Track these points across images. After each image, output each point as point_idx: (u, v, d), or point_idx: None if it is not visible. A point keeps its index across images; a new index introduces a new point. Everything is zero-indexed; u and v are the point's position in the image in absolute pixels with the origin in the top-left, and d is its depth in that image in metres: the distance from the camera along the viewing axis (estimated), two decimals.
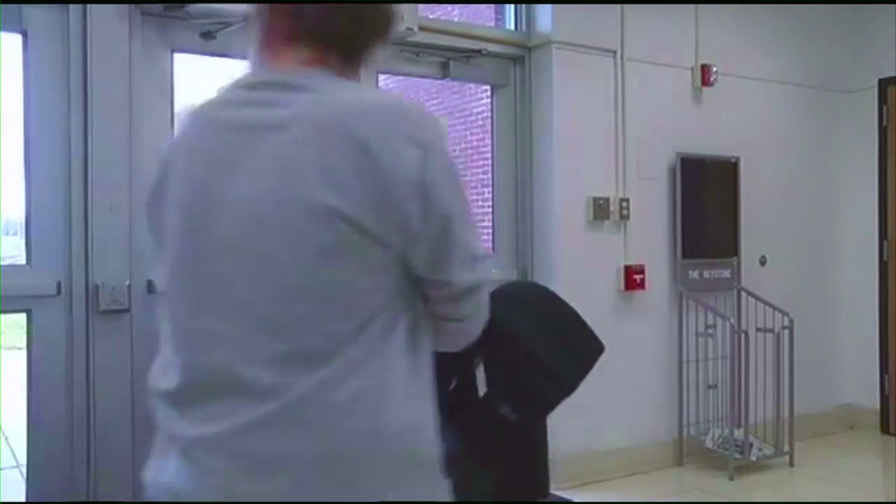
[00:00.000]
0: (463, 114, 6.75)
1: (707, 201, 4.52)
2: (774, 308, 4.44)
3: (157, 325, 1.26)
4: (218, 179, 1.11)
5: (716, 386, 4.42)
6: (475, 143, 6.37)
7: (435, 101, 7.23)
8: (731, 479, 4.13)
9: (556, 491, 3.70)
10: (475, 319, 1.21)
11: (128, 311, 3.05)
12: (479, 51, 3.91)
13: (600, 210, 4.09)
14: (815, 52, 5.05)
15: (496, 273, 1.27)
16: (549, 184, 4.04)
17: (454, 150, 6.63)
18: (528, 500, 2.06)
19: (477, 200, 4.80)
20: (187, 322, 1.17)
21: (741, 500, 3.95)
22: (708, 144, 4.49)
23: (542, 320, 1.56)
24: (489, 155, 4.28)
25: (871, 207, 5.09)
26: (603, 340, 1.60)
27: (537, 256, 4.10)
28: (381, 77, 3.82)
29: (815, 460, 4.48)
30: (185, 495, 1.10)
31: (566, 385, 1.54)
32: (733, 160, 4.58)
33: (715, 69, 4.46)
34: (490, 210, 4.19)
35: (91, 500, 2.99)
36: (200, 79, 3.43)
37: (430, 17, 4.07)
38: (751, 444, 4.29)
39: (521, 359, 1.54)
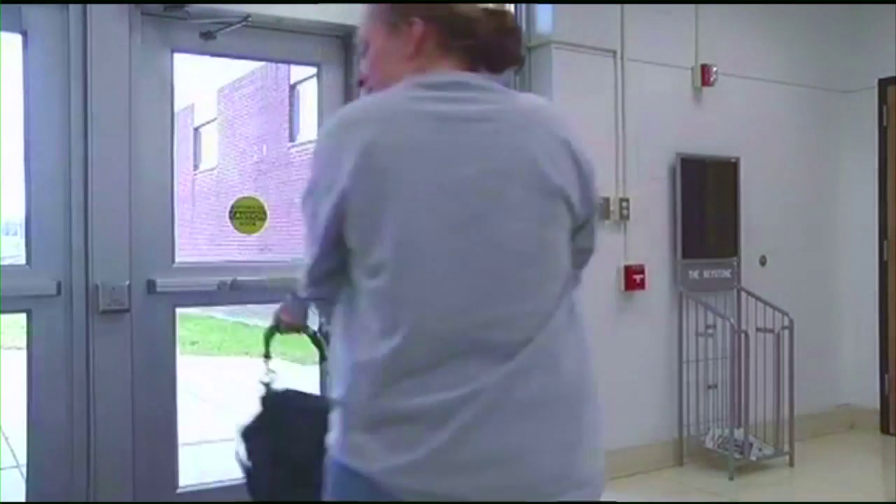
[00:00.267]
0: None
1: (707, 201, 4.52)
2: (774, 308, 4.44)
3: (369, 307, 1.26)
4: (451, 162, 1.25)
5: (716, 386, 4.42)
6: None
7: None
8: (731, 478, 4.13)
9: None
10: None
11: (128, 311, 3.05)
12: None
13: (600, 210, 4.09)
14: (815, 52, 5.05)
15: None
16: None
17: None
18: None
19: None
20: (431, 296, 1.23)
21: (741, 500, 3.95)
22: (708, 144, 4.49)
23: None
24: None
25: (871, 207, 5.09)
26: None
27: None
28: None
29: (814, 460, 4.48)
30: (454, 452, 1.20)
31: None
32: (733, 160, 4.58)
33: (715, 69, 4.46)
34: None
35: (91, 500, 2.99)
36: (200, 79, 3.43)
37: None
38: (751, 444, 4.29)
39: None
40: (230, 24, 3.22)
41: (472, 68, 1.35)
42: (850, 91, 5.15)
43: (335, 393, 1.30)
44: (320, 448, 1.34)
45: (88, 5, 2.99)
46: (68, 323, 2.99)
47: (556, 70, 4.00)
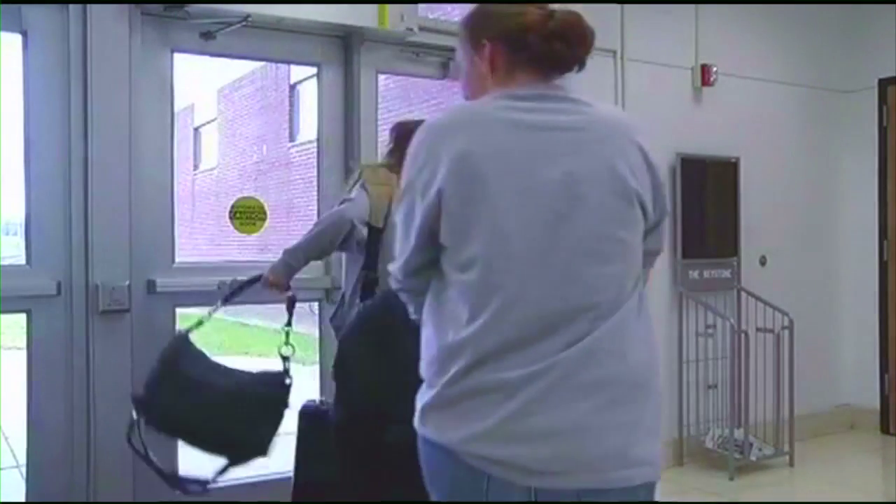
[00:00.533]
0: None
1: (707, 201, 4.52)
2: (774, 308, 4.44)
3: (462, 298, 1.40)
4: (538, 167, 1.37)
5: (716, 386, 4.42)
6: None
7: (434, 102, 7.22)
8: (731, 478, 4.13)
9: None
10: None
11: (128, 311, 3.05)
12: None
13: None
14: (815, 52, 5.05)
15: None
16: None
17: None
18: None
19: None
20: (519, 286, 1.36)
21: (741, 500, 3.95)
22: (708, 144, 4.49)
23: None
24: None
25: (871, 207, 5.09)
26: None
27: None
28: (382, 77, 3.81)
29: (814, 460, 4.48)
30: (519, 421, 1.33)
31: None
32: (733, 160, 4.58)
33: (715, 69, 4.46)
34: None
35: (90, 500, 2.99)
36: (200, 79, 3.44)
37: (430, 17, 4.07)
38: (751, 444, 4.29)
39: None
40: (230, 24, 3.22)
41: (543, 76, 1.46)
42: (850, 91, 5.15)
43: (422, 373, 1.44)
44: None
45: (88, 5, 2.98)
46: (68, 323, 2.98)
47: None
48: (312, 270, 3.56)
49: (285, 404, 2.59)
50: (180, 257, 3.32)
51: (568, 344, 1.35)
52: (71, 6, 2.98)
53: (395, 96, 6.84)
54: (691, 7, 4.46)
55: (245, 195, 3.51)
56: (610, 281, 1.39)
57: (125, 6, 3.05)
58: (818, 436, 4.83)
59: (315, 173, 3.67)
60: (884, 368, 5.06)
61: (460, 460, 1.36)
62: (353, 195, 2.77)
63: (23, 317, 2.98)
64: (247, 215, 3.42)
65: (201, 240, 11.34)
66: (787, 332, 4.41)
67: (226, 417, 2.50)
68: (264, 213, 3.47)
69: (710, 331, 4.36)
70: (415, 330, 1.52)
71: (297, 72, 9.93)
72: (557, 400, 1.34)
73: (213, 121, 13.50)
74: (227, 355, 10.27)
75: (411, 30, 3.55)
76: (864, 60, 5.10)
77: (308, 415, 2.78)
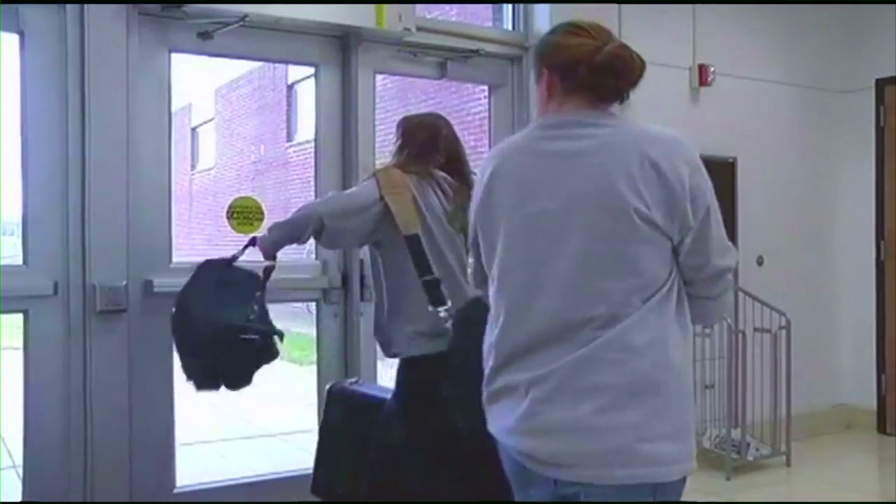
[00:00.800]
0: (460, 114, 6.74)
1: None
2: (771, 308, 4.45)
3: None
4: (545, 192, 1.54)
5: (713, 386, 4.42)
6: (472, 143, 6.35)
7: (432, 102, 7.22)
8: (729, 479, 4.13)
9: None
10: (725, 298, 1.65)
11: (125, 311, 3.05)
12: (477, 51, 3.91)
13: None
14: (813, 52, 5.05)
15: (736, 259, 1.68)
16: None
17: None
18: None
19: None
20: (524, 300, 1.55)
21: (738, 500, 3.95)
22: (705, 144, 4.46)
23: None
24: (486, 155, 4.28)
25: (868, 207, 5.10)
26: None
27: None
28: (379, 77, 3.82)
29: (811, 460, 4.48)
30: (530, 419, 1.52)
31: None
32: (731, 160, 4.58)
33: (712, 69, 4.47)
34: None
35: (88, 500, 2.99)
36: (198, 79, 3.43)
37: (428, 16, 4.07)
38: (748, 444, 4.30)
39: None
40: (228, 24, 3.21)
41: (591, 104, 1.59)
42: (847, 91, 5.16)
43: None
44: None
45: (86, 5, 2.98)
46: (65, 323, 2.98)
47: None
48: (310, 270, 3.56)
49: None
50: (178, 257, 3.31)
51: (569, 351, 1.48)
52: (68, 6, 2.98)
53: (392, 96, 6.84)
54: (689, 7, 4.47)
55: (243, 195, 3.51)
56: (608, 294, 1.49)
57: (122, 6, 3.05)
58: (815, 436, 4.84)
59: (313, 173, 3.67)
60: (880, 368, 5.07)
61: (504, 449, 1.60)
62: (351, 189, 2.70)
63: (20, 317, 2.97)
64: (244, 215, 3.42)
65: (199, 240, 11.33)
66: (784, 332, 4.41)
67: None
68: (262, 213, 3.46)
69: (707, 331, 4.36)
70: None
71: (295, 72, 9.93)
72: (560, 402, 1.48)
73: (210, 121, 13.48)
74: None
75: (409, 30, 3.54)
76: (862, 61, 5.11)
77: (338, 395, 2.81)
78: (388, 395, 2.65)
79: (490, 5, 4.46)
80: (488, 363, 1.61)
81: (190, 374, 2.58)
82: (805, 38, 5.03)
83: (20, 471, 3.06)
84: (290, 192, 10.02)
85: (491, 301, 1.63)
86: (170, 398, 3.24)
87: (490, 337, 1.62)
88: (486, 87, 4.29)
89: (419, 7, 3.71)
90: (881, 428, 5.06)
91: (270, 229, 2.70)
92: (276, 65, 9.43)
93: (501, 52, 4.05)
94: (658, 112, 4.32)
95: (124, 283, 3.04)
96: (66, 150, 2.98)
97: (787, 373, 4.40)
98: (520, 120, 4.11)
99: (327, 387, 2.94)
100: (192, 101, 12.72)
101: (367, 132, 3.61)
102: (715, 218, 1.57)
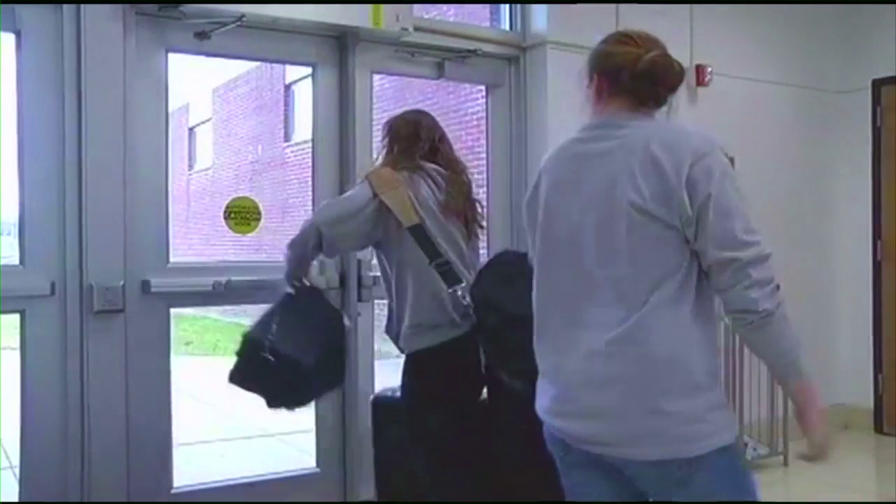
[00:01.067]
0: (458, 114, 6.75)
1: None
2: None
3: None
4: (565, 192, 1.70)
5: None
6: (470, 144, 6.37)
7: (430, 102, 7.22)
8: None
9: None
10: (737, 292, 1.60)
11: (122, 311, 3.05)
12: (474, 51, 3.91)
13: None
14: (810, 53, 5.06)
15: (761, 255, 1.69)
16: None
17: None
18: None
19: None
20: (552, 294, 1.73)
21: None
22: None
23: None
24: (484, 155, 4.28)
25: (865, 207, 5.11)
26: None
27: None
28: (377, 77, 3.82)
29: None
30: (562, 403, 1.70)
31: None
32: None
33: (710, 69, 4.47)
34: (484, 211, 4.17)
35: (85, 500, 2.99)
36: (195, 79, 3.43)
37: (426, 17, 4.07)
38: (745, 444, 4.30)
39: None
40: (225, 24, 3.21)
41: (632, 107, 1.71)
42: (844, 91, 5.16)
43: None
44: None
45: (82, 5, 2.97)
46: (62, 323, 2.98)
47: (550, 70, 4.00)
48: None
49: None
50: (175, 257, 3.31)
51: (591, 341, 1.63)
52: (65, 6, 2.97)
53: (390, 96, 6.84)
54: (686, 7, 4.47)
55: (240, 195, 3.51)
56: (620, 287, 1.61)
57: (119, 6, 3.04)
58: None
59: (310, 173, 3.66)
60: (878, 368, 5.07)
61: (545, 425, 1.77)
62: (345, 194, 2.74)
63: (16, 317, 2.97)
64: (242, 215, 3.42)
65: (196, 240, 11.33)
66: None
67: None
68: (259, 213, 3.46)
69: None
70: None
71: (292, 72, 9.92)
72: (587, 389, 1.64)
73: (207, 121, 13.47)
74: (221, 356, 10.25)
75: (406, 30, 3.54)
76: (859, 61, 5.11)
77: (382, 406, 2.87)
78: None
79: (487, 5, 4.46)
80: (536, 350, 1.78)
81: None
82: (802, 38, 5.03)
83: (17, 471, 3.06)
84: (288, 192, 10.01)
85: (533, 295, 1.79)
86: (167, 398, 3.24)
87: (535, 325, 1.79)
88: (483, 87, 4.29)
89: (416, 7, 3.71)
90: (878, 428, 5.07)
91: (285, 252, 2.78)
92: (274, 65, 9.43)
93: (499, 52, 4.05)
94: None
95: (121, 283, 3.04)
96: (62, 151, 2.98)
97: None
98: (517, 120, 4.11)
99: (370, 399, 3.02)
100: (189, 101, 12.71)
101: (364, 132, 3.61)
102: (718, 206, 1.57)
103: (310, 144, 3.70)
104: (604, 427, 1.63)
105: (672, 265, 1.59)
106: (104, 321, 3.01)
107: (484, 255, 4.07)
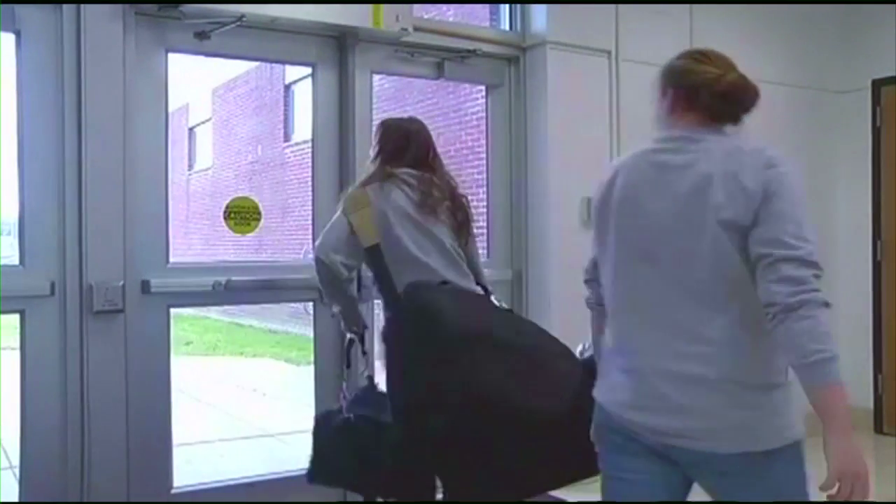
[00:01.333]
0: (458, 114, 6.75)
1: None
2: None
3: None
4: (646, 198, 1.78)
5: None
6: (470, 144, 6.37)
7: (430, 102, 7.22)
8: None
9: (552, 490, 3.69)
10: (766, 284, 1.65)
11: (122, 311, 3.05)
12: (474, 51, 3.91)
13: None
14: (809, 53, 5.06)
15: (799, 257, 1.77)
16: (543, 184, 4.04)
17: (449, 150, 6.63)
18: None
19: (471, 201, 4.76)
20: (628, 296, 1.83)
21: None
22: None
23: None
24: (483, 155, 4.28)
25: (864, 207, 5.10)
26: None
27: (532, 257, 4.10)
28: (377, 77, 3.82)
29: (809, 460, 4.44)
30: (641, 398, 1.78)
31: None
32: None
33: None
34: (484, 210, 4.19)
35: (85, 500, 2.99)
36: (195, 79, 3.43)
37: (425, 17, 4.07)
38: None
39: None
40: (224, 24, 3.21)
41: (705, 123, 1.81)
42: (843, 91, 5.16)
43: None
44: None
45: (82, 5, 2.98)
46: (62, 323, 2.98)
47: (550, 70, 4.01)
48: (308, 271, 3.56)
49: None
50: (175, 257, 3.31)
51: (668, 342, 1.74)
52: (65, 6, 2.97)
53: (389, 96, 6.84)
54: (686, 7, 4.47)
55: (240, 195, 3.51)
56: (696, 290, 1.72)
57: (119, 6, 3.04)
58: (812, 436, 4.75)
59: (310, 173, 3.66)
60: (877, 368, 5.07)
61: (610, 416, 1.86)
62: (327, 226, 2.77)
63: (16, 317, 2.97)
64: (241, 215, 3.42)
65: (196, 240, 11.33)
66: None
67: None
68: (259, 213, 3.46)
69: None
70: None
71: (292, 72, 9.92)
72: (665, 386, 1.73)
73: (207, 121, 13.47)
74: (221, 356, 10.25)
75: (406, 30, 3.55)
76: (858, 61, 5.11)
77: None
78: None
79: (487, 5, 4.47)
80: (607, 341, 1.90)
81: None
82: (802, 38, 5.03)
83: (17, 471, 3.06)
84: (288, 192, 10.01)
85: (605, 292, 1.89)
86: (167, 398, 3.24)
87: (608, 322, 1.89)
88: (483, 87, 4.30)
89: (416, 7, 3.71)
90: (878, 428, 5.07)
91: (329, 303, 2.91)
92: (274, 65, 9.42)
93: (499, 52, 4.05)
94: (655, 112, 4.33)
95: (121, 283, 3.04)
96: (62, 151, 2.98)
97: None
98: (517, 120, 4.12)
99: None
100: (189, 102, 12.71)
101: (364, 132, 3.61)
102: (775, 210, 1.67)
103: (309, 144, 3.70)
104: (692, 423, 1.71)
105: (747, 270, 1.68)
106: (104, 321, 3.02)
107: (484, 255, 4.11)
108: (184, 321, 9.57)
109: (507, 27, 4.18)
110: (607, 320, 1.91)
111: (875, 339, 5.08)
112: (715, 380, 1.70)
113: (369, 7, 3.43)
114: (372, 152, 2.86)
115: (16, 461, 3.09)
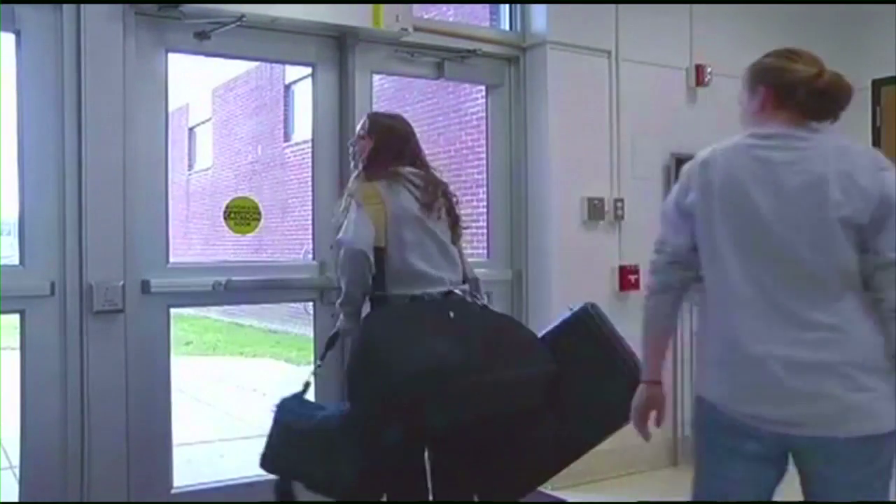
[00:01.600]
0: (458, 114, 6.75)
1: None
2: None
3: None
4: (756, 192, 1.81)
5: None
6: (470, 143, 6.38)
7: (430, 102, 7.23)
8: None
9: (551, 490, 3.70)
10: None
11: (122, 311, 3.05)
12: (474, 51, 3.91)
13: (595, 210, 4.09)
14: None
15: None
16: (543, 184, 4.04)
17: (449, 150, 6.63)
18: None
19: (471, 201, 4.80)
20: (742, 285, 1.84)
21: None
22: (702, 144, 4.41)
23: None
24: (483, 155, 4.29)
25: None
26: None
27: (532, 257, 4.10)
28: (376, 77, 3.81)
29: None
30: (762, 388, 1.82)
31: None
32: None
33: (709, 69, 4.47)
34: (484, 210, 4.19)
35: (84, 500, 2.99)
36: (194, 79, 3.43)
37: (425, 17, 4.07)
38: None
39: None
40: (224, 24, 3.21)
41: (799, 120, 1.86)
42: None
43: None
44: None
45: (82, 5, 2.98)
46: (62, 323, 2.98)
47: (550, 70, 4.01)
48: (307, 271, 3.56)
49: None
50: (175, 257, 3.31)
51: (790, 331, 1.78)
52: (65, 6, 2.97)
53: (390, 96, 6.84)
54: (686, 7, 4.47)
55: (240, 195, 3.51)
56: (816, 284, 1.78)
57: (119, 6, 3.04)
58: None
59: (310, 173, 3.66)
60: None
61: (719, 412, 1.93)
62: (350, 219, 2.64)
63: (16, 317, 2.97)
64: (241, 215, 3.42)
65: (196, 240, 11.34)
66: None
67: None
68: (259, 213, 3.46)
69: None
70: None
71: (292, 72, 9.93)
72: (787, 374, 1.77)
73: (207, 121, 13.48)
74: (221, 356, 10.23)
75: (406, 30, 3.55)
76: (858, 61, 5.09)
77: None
78: None
79: (487, 5, 4.47)
80: (714, 337, 1.94)
81: None
82: (802, 38, 4.98)
83: (17, 471, 3.06)
84: (288, 192, 10.02)
85: (706, 279, 1.97)
86: (167, 398, 3.24)
87: (714, 312, 1.95)
88: (483, 87, 4.30)
89: (416, 7, 3.71)
90: None
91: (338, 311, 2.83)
92: (274, 65, 9.43)
93: (499, 52, 4.05)
94: (654, 112, 4.33)
95: (121, 283, 3.04)
96: (62, 151, 2.98)
97: None
98: (517, 120, 4.12)
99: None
100: (189, 102, 12.72)
101: None
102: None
103: (309, 144, 3.70)
104: (812, 409, 1.76)
105: (856, 262, 1.78)
106: (104, 321, 3.02)
107: (484, 255, 4.11)
108: (184, 321, 9.58)
109: (507, 27, 4.18)
110: (707, 312, 1.99)
111: None
112: (835, 363, 1.75)
113: (369, 7, 3.43)
114: (365, 145, 2.78)
115: (16, 461, 3.09)
